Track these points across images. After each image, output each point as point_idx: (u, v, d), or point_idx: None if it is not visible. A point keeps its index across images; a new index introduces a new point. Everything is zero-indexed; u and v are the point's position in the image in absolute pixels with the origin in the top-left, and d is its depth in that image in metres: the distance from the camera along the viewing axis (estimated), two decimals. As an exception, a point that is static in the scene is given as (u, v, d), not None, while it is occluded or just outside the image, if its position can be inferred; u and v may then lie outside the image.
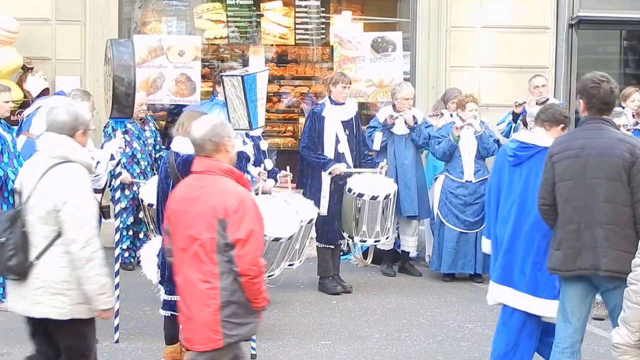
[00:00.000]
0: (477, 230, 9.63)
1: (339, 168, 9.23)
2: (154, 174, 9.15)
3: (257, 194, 7.66)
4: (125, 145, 9.75)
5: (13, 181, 8.19)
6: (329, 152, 9.30)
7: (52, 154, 5.23)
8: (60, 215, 5.10)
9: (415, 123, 9.80)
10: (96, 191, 7.48)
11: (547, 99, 10.30)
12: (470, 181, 9.72)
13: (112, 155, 7.41)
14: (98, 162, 7.27)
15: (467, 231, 9.71)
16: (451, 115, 10.16)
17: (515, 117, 10.18)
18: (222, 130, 5.11)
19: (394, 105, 9.91)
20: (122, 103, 7.32)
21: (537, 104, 10.01)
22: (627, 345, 3.90)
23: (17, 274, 5.18)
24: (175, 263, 5.13)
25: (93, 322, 5.39)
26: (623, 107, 9.55)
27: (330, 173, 9.23)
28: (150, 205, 8.25)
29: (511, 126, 10.21)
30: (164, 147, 10.08)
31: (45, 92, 10.66)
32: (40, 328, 5.37)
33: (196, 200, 4.99)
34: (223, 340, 4.93)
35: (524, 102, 10.05)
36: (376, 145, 9.84)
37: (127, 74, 7.28)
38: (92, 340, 5.50)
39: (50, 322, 5.24)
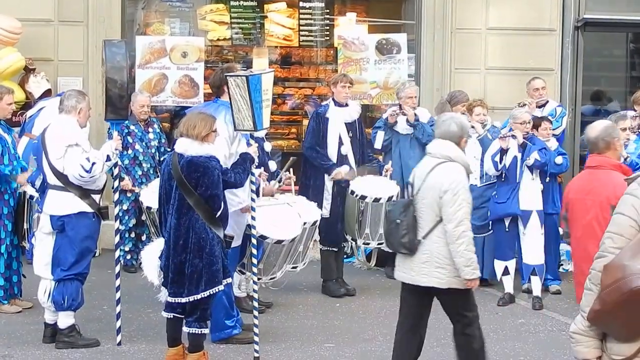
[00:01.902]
0: (483, 235, 9.52)
1: (341, 173, 9.18)
2: (157, 177, 9.07)
3: (258, 195, 7.61)
4: (128, 147, 9.70)
5: (10, 188, 8.11)
6: (332, 154, 9.24)
7: (439, 155, 6.16)
8: (442, 200, 6.02)
9: (417, 120, 9.73)
10: (94, 192, 7.41)
11: (547, 102, 10.25)
12: (476, 185, 9.59)
13: (108, 156, 7.33)
14: (94, 163, 7.20)
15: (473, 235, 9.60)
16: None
17: None
18: (612, 132, 6.13)
19: (400, 106, 9.87)
20: (115, 105, 7.24)
21: (537, 106, 9.95)
22: (580, 333, 3.97)
23: (408, 249, 6.13)
24: (573, 243, 6.32)
25: (469, 291, 6.24)
26: (635, 110, 9.51)
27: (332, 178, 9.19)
28: (149, 208, 8.19)
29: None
30: (169, 149, 9.98)
31: (47, 93, 10.63)
32: (417, 294, 6.31)
33: (591, 190, 6.07)
34: None
35: (525, 104, 9.97)
36: (378, 144, 9.79)
37: (119, 76, 7.19)
38: (471, 306, 6.31)
39: (433, 289, 6.18)
